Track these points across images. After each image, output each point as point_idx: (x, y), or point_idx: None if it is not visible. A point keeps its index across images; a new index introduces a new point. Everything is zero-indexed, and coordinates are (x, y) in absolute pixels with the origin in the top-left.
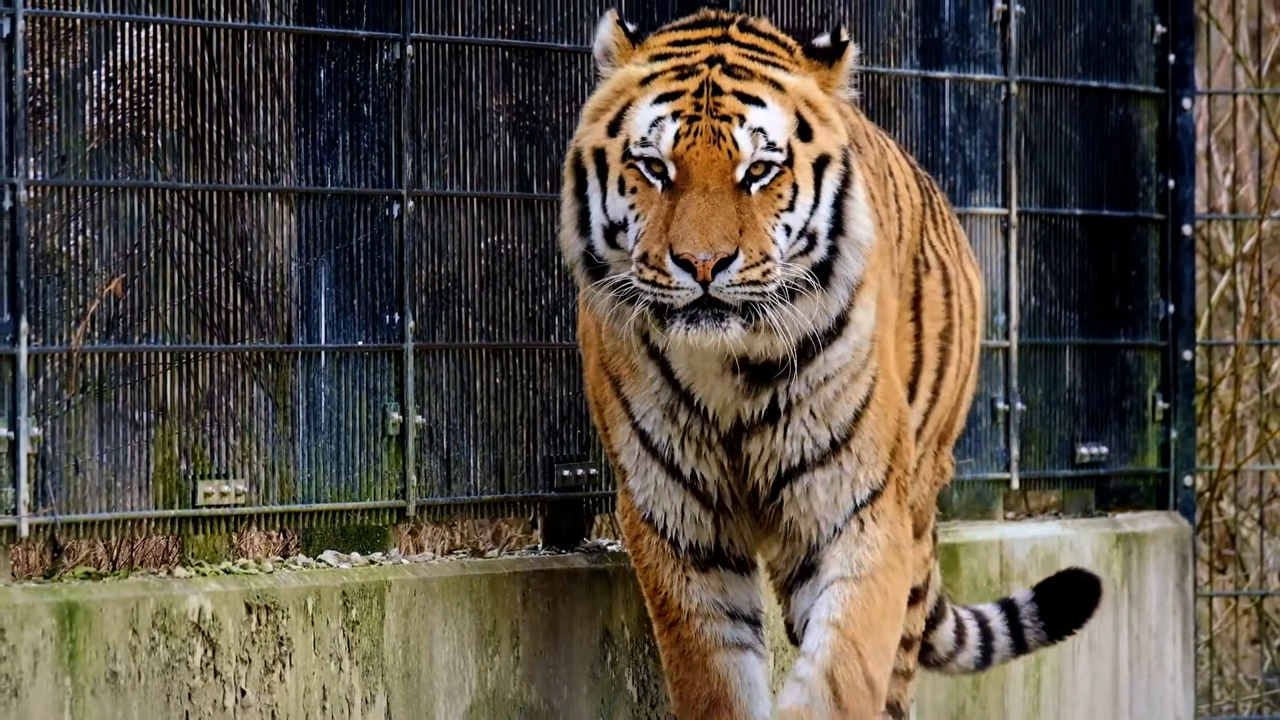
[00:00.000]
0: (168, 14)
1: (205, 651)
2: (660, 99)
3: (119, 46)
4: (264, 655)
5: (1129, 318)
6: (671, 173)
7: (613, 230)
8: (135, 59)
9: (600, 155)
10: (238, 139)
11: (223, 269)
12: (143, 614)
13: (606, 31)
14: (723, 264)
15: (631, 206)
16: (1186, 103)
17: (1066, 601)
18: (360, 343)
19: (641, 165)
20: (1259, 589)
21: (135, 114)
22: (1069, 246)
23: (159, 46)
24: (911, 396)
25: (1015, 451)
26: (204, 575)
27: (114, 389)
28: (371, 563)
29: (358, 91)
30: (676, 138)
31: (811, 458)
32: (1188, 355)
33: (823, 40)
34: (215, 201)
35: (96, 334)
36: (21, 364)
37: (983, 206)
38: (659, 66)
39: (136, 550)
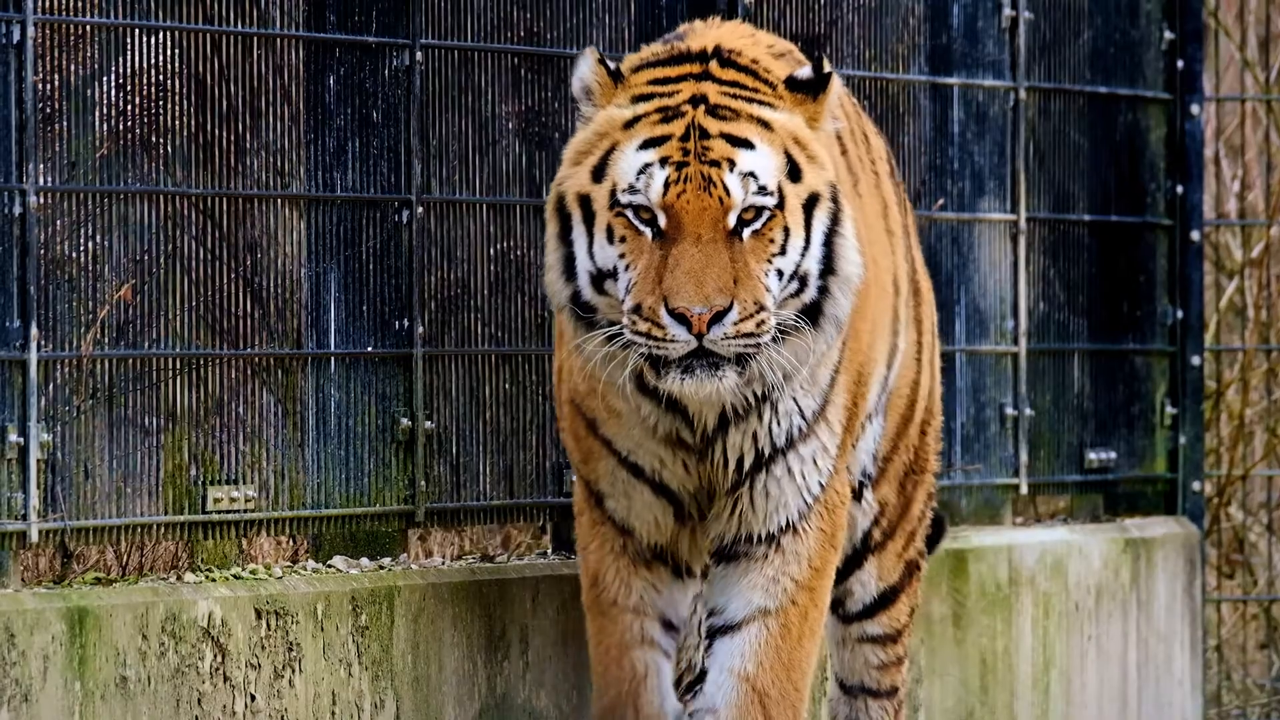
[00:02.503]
0: (177, 20)
1: (215, 657)
2: (646, 144)
3: (129, 53)
4: (273, 660)
5: (1137, 323)
6: (662, 221)
7: (601, 277)
8: (145, 65)
9: (586, 201)
10: (247, 145)
11: (232, 275)
12: (152, 619)
13: (587, 70)
14: (718, 317)
15: (621, 255)
16: (1195, 108)
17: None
18: (369, 348)
19: (630, 213)
20: (1267, 594)
21: (145, 120)
22: (1077, 252)
23: (168, 53)
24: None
25: (1024, 457)
26: (213, 580)
27: (124, 395)
28: (381, 568)
29: (367, 98)
30: (666, 186)
31: (799, 431)
32: (1196, 361)
33: (805, 72)
34: (225, 207)
35: (106, 340)
36: (31, 370)
37: (991, 212)
38: (641, 108)
39: (146, 556)
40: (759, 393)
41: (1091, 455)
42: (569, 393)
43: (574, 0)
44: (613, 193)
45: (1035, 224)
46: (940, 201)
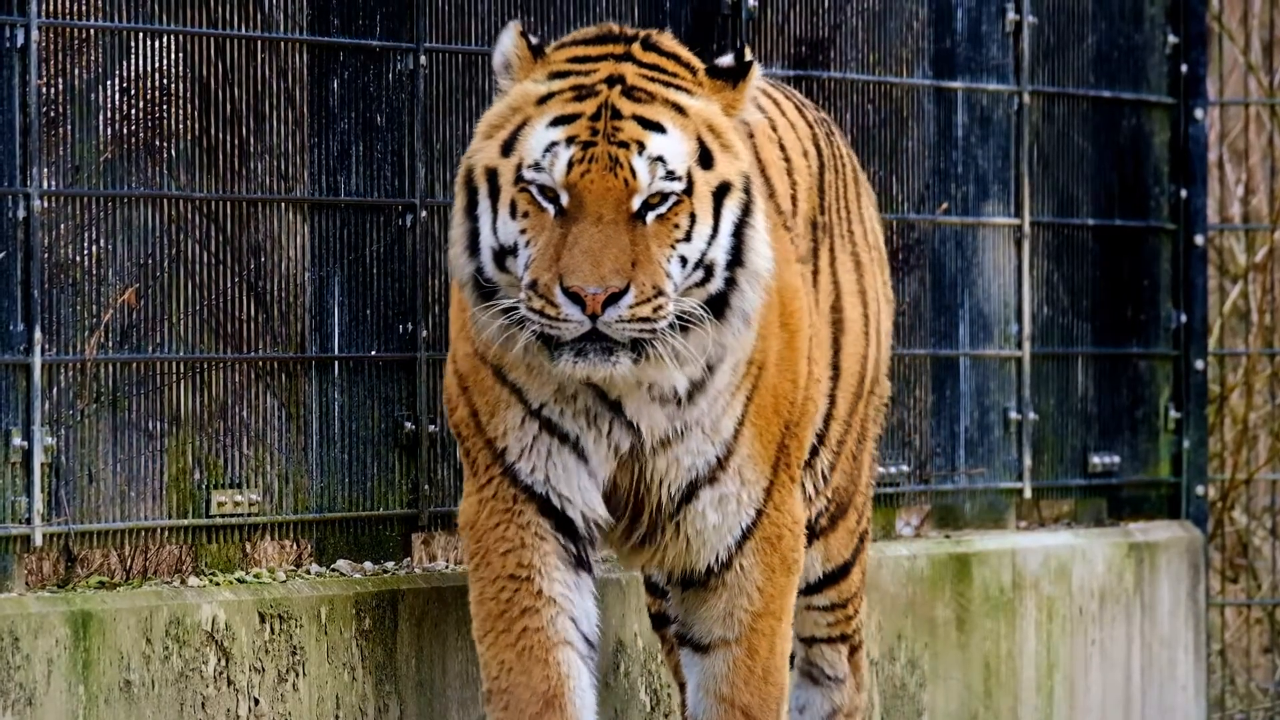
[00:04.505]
0: (181, 24)
1: (219, 660)
2: (556, 121)
3: (132, 56)
4: (277, 664)
5: (1141, 327)
6: (564, 200)
7: (503, 254)
8: (149, 69)
9: (493, 175)
10: (251, 149)
11: (236, 279)
12: (156, 623)
13: (508, 43)
14: (613, 298)
15: (523, 231)
16: (1198, 113)
17: None
18: (373, 352)
19: (534, 189)
20: (1270, 598)
21: (149, 124)
22: (1081, 256)
23: (172, 56)
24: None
25: (1028, 461)
26: (217, 584)
27: (127, 399)
28: (384, 572)
29: (371, 101)
30: (570, 165)
31: (702, 475)
32: (1200, 365)
33: (726, 60)
34: (229, 211)
35: (110, 344)
36: (35, 374)
37: (995, 216)
38: (556, 85)
39: (150, 559)
40: (688, 422)
41: (1095, 459)
42: (470, 348)
43: (577, 5)
44: (519, 168)
45: (1039, 228)
46: (944, 206)
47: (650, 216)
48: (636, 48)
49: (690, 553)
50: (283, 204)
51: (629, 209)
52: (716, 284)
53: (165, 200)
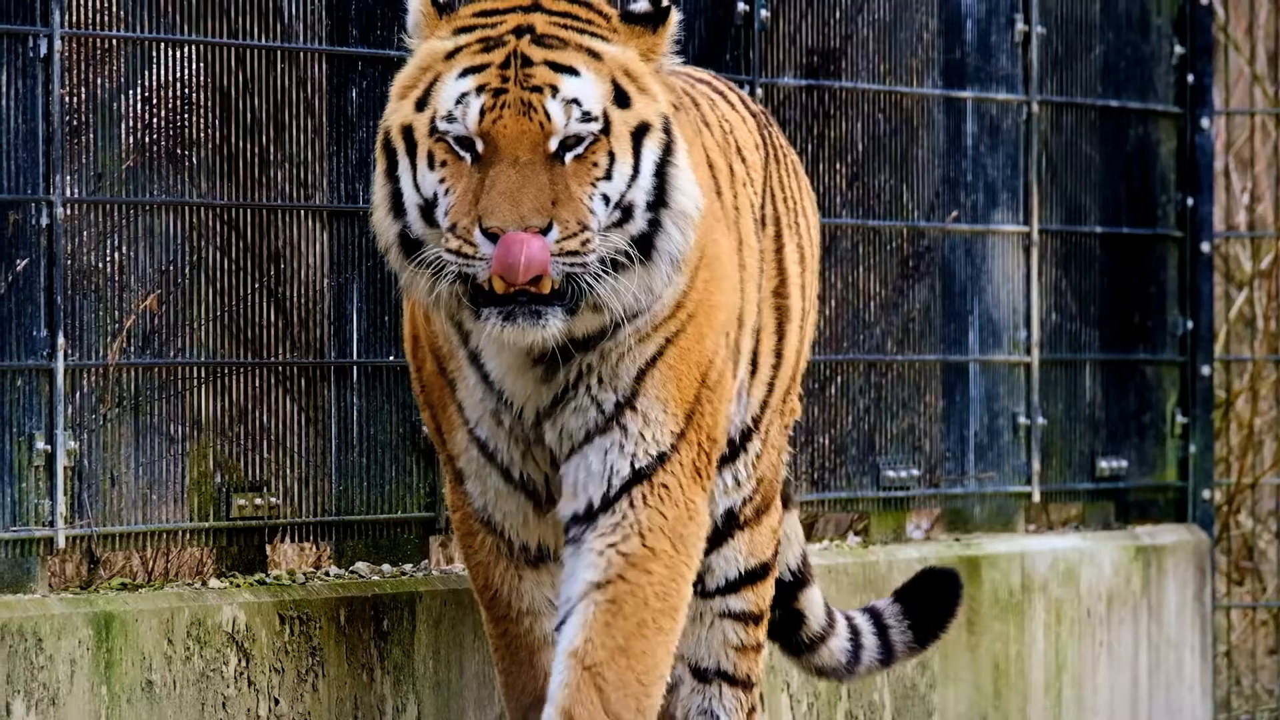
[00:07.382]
0: (203, 34)
1: (239, 661)
2: (466, 72)
3: (154, 66)
4: (297, 665)
5: (1148, 334)
6: (480, 147)
7: (428, 208)
8: (170, 78)
9: (408, 132)
10: (271, 157)
11: (256, 285)
12: (178, 624)
13: (415, 2)
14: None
15: (442, 180)
16: (1205, 122)
17: (929, 604)
18: (391, 358)
19: (450, 139)
20: (1276, 600)
21: (170, 133)
22: (1089, 264)
23: (194, 66)
24: (754, 369)
25: (1036, 465)
26: (238, 586)
27: (149, 403)
28: (402, 574)
29: None
30: (482, 113)
31: (595, 425)
32: (1206, 371)
33: (642, 5)
34: (249, 219)
35: (132, 349)
36: (59, 378)
37: (1004, 224)
38: (464, 40)
39: (171, 561)
40: (567, 383)
41: (1103, 464)
42: (431, 349)
43: None
44: (433, 120)
45: (1048, 236)
46: (954, 214)
47: (568, 157)
48: None
49: (571, 491)
50: (302, 211)
51: (546, 150)
52: (638, 224)
53: (186, 208)
